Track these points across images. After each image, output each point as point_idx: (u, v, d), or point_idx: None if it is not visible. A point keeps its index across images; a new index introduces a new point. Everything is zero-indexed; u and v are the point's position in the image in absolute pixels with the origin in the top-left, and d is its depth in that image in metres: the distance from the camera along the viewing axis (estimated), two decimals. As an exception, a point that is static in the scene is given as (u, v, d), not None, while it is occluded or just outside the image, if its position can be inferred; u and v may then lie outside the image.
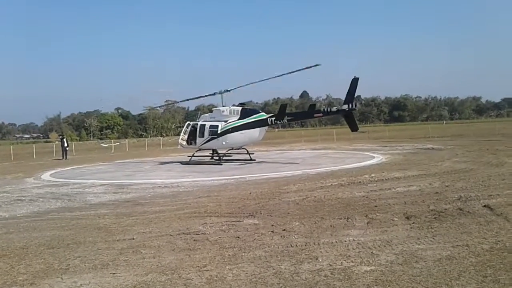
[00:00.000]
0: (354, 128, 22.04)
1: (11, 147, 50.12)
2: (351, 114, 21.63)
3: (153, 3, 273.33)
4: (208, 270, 5.77)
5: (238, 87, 24.25)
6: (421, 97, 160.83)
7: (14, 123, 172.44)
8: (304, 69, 22.27)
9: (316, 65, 21.02)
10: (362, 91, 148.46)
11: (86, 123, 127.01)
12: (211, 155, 25.51)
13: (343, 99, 21.76)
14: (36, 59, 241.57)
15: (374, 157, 23.03)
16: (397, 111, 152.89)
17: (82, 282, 5.53)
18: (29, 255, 6.91)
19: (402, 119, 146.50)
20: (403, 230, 7.38)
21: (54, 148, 42.81)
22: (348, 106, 21.13)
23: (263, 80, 23.86)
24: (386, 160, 21.32)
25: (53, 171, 23.41)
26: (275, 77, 23.91)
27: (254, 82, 24.43)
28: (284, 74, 23.35)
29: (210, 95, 25.41)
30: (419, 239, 6.77)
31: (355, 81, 20.75)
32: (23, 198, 13.48)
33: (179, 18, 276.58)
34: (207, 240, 7.35)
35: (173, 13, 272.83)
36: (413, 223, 7.82)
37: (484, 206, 8.88)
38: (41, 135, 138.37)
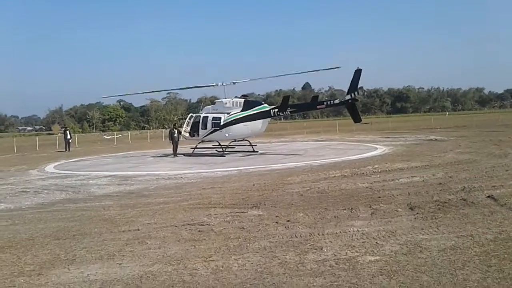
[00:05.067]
0: (357, 120, 21.97)
1: (14, 139, 50.16)
2: (354, 105, 21.55)
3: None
4: (213, 260, 5.81)
5: (245, 81, 24.31)
6: (423, 88, 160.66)
7: (16, 115, 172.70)
8: (324, 69, 26.14)
9: (336, 67, 24.32)
10: (364, 83, 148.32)
11: (88, 115, 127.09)
12: (214, 146, 25.53)
13: (346, 91, 21.70)
14: (39, 52, 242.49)
15: (377, 148, 22.98)
16: (399, 103, 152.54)
17: (89, 273, 5.57)
18: (35, 246, 6.96)
19: (404, 110, 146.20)
20: (407, 220, 7.40)
21: (57, 140, 42.92)
22: (351, 96, 21.05)
23: (278, 76, 25.61)
24: (389, 151, 21.28)
25: (56, 163, 23.49)
26: (292, 74, 27.79)
27: (266, 78, 25.01)
28: (302, 73, 25.95)
29: (211, 85, 25.39)
30: (423, 229, 6.78)
31: (358, 73, 20.64)
32: (28, 190, 13.55)
33: (182, 15, 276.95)
34: (212, 231, 7.38)
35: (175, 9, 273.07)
36: (417, 213, 7.83)
37: (488, 196, 8.88)
38: (44, 128, 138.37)
